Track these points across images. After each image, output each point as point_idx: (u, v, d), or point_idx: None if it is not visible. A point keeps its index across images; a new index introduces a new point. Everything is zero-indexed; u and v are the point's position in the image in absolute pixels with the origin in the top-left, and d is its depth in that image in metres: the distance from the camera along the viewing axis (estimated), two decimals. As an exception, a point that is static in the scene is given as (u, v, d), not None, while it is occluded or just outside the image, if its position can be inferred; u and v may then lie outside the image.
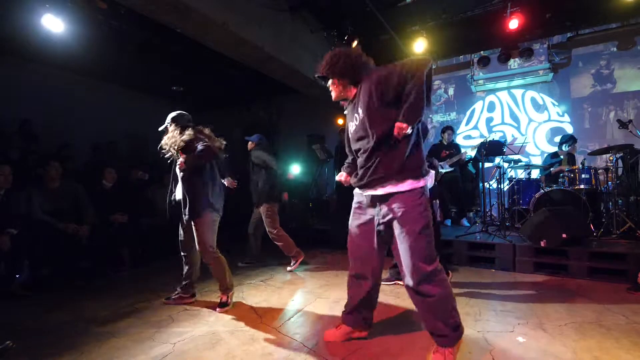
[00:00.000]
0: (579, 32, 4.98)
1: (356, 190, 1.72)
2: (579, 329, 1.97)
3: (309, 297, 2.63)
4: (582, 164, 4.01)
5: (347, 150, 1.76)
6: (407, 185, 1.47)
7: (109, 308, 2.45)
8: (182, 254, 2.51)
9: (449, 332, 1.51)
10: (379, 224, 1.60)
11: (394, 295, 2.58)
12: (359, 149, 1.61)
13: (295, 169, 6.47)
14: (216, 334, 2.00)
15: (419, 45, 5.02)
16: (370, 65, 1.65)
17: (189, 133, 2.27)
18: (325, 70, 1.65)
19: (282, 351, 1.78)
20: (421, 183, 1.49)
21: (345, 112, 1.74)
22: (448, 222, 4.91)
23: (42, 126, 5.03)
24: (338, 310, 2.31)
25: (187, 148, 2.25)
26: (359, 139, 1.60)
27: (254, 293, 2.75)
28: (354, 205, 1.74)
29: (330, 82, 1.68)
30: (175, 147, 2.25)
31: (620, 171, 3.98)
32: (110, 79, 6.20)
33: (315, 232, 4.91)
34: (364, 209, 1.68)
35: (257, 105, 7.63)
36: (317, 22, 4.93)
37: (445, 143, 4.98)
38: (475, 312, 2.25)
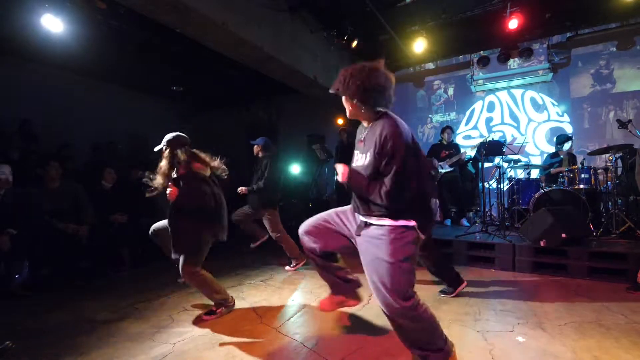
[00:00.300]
0: (579, 32, 4.98)
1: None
2: (578, 328, 1.97)
3: (309, 297, 2.63)
4: (582, 163, 4.02)
5: None
6: (392, 222, 1.41)
7: (109, 308, 2.45)
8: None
9: (429, 354, 1.43)
10: (353, 238, 1.59)
11: (393, 295, 2.59)
12: None
13: (295, 169, 6.47)
14: (216, 334, 2.00)
15: (419, 45, 5.02)
16: (389, 98, 1.49)
17: (181, 154, 2.19)
18: (337, 87, 1.51)
19: (282, 351, 1.78)
20: (411, 223, 1.40)
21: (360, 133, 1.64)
22: (448, 222, 4.92)
23: (42, 126, 5.03)
24: (338, 310, 2.31)
25: (177, 177, 2.19)
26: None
27: (254, 293, 2.75)
28: (350, 206, 1.69)
29: (343, 98, 1.56)
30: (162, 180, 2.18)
31: (619, 171, 3.98)
32: (110, 79, 6.19)
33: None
34: (351, 214, 1.65)
35: (257, 105, 7.63)
36: (317, 22, 4.93)
37: (445, 143, 4.98)
38: (475, 311, 2.25)
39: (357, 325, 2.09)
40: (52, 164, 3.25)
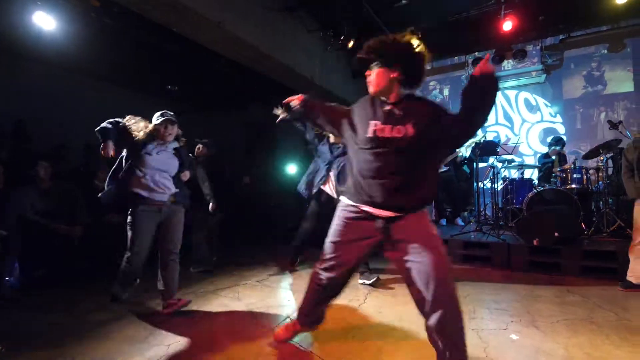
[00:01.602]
0: (571, 34, 5.06)
1: (350, 202, 1.49)
2: (570, 326, 2.00)
3: (305, 297, 2.63)
4: (574, 164, 4.08)
5: (355, 147, 1.48)
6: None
7: (104, 309, 2.43)
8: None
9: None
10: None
11: (390, 295, 2.60)
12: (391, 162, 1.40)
13: (291, 169, 6.46)
14: (212, 334, 1.99)
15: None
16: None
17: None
18: (375, 51, 1.43)
19: (278, 352, 1.78)
20: None
21: (366, 108, 1.50)
22: (443, 221, 4.96)
23: (37, 126, 4.95)
24: (335, 309, 2.32)
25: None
26: (397, 153, 1.39)
27: (250, 294, 2.74)
28: (347, 215, 1.50)
29: (375, 70, 1.45)
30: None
31: (610, 171, 4.05)
32: (107, 78, 6.12)
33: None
34: (365, 222, 1.46)
35: (255, 106, 7.60)
36: (314, 22, 4.93)
37: (440, 143, 5.00)
38: (470, 310, 2.27)
39: (354, 325, 2.09)
40: (41, 164, 3.19)
